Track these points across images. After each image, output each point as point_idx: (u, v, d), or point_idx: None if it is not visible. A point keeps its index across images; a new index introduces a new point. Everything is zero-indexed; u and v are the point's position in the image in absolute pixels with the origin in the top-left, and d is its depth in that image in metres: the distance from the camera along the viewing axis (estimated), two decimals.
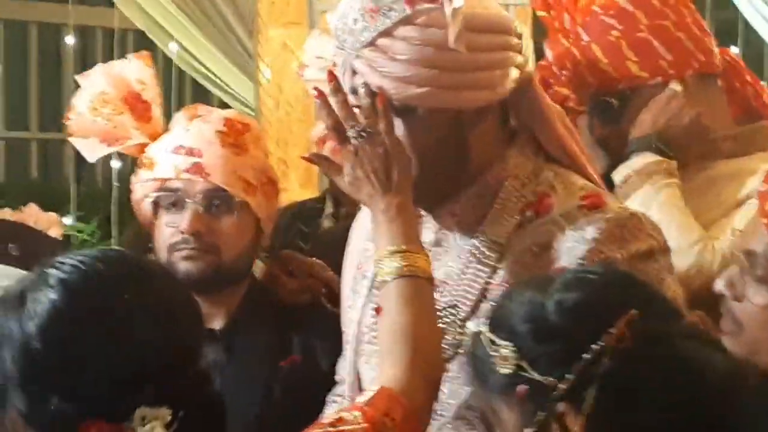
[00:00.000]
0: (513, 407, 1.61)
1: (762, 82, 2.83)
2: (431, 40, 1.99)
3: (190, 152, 2.52)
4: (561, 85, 2.71)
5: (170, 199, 2.53)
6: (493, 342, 1.63)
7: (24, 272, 2.72)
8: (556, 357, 1.58)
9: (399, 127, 2.05)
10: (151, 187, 2.56)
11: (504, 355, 1.61)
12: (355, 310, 2.23)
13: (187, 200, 2.50)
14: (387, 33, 2.01)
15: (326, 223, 4.67)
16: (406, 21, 2.00)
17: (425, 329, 1.97)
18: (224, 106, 6.84)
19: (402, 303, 1.95)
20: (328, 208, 4.67)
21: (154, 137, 2.62)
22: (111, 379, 1.60)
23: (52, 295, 1.62)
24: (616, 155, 2.66)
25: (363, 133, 2.00)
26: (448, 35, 1.96)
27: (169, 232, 2.52)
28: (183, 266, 2.49)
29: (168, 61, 6.36)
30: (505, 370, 1.60)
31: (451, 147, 2.09)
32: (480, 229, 2.10)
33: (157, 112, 2.64)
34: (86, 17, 6.83)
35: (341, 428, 1.76)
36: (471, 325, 1.73)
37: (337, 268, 2.65)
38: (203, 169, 2.50)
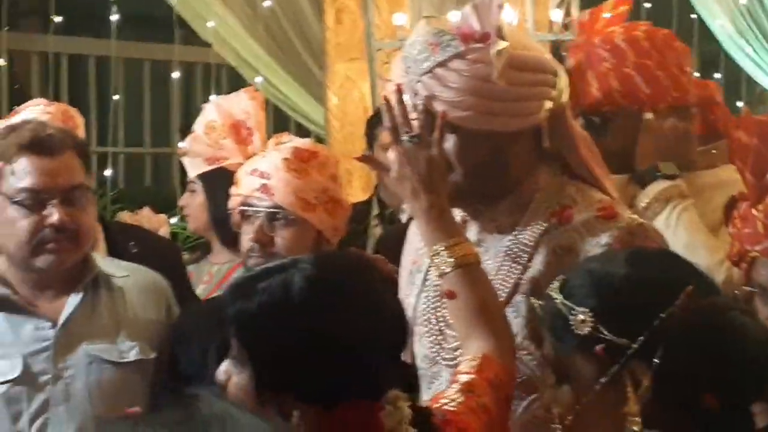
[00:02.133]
0: (589, 361, 1.61)
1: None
2: (478, 73, 1.99)
3: (262, 175, 2.55)
4: None
5: (247, 213, 2.55)
6: (571, 308, 1.63)
7: (135, 266, 2.74)
8: (628, 321, 1.59)
9: (448, 141, 2.04)
10: (237, 201, 2.56)
11: (582, 319, 1.61)
12: (411, 297, 2.20)
13: (256, 214, 2.50)
14: (443, 64, 2.01)
15: (373, 222, 4.65)
16: (459, 56, 2.00)
17: (493, 303, 1.97)
18: (300, 126, 6.87)
19: (469, 287, 1.94)
20: (374, 210, 4.66)
21: (250, 159, 2.62)
22: (372, 359, 1.54)
23: (314, 281, 1.55)
24: None
25: (414, 138, 1.99)
26: (492, 71, 1.96)
27: (245, 240, 2.55)
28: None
29: None
30: (583, 331, 1.61)
31: (491, 162, 2.07)
32: (513, 233, 2.09)
33: (257, 137, 2.65)
34: (188, 55, 6.84)
35: (458, 387, 1.76)
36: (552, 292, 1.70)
37: (396, 262, 2.64)
38: (269, 189, 2.53)
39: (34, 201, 2.34)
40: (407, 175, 1.99)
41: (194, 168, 2.69)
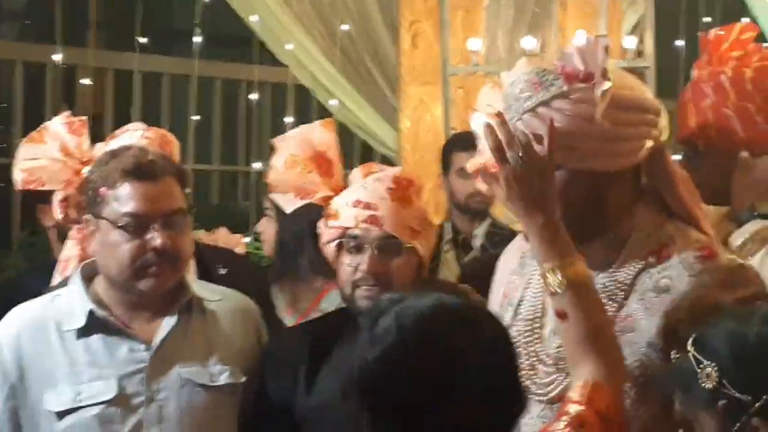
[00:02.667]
0: (713, 417, 1.62)
1: None
2: (581, 113, 1.99)
3: (367, 206, 2.54)
4: None
5: (351, 244, 2.55)
6: (699, 361, 1.63)
7: (227, 290, 2.79)
8: (753, 378, 1.60)
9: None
10: (336, 234, 2.57)
11: (708, 372, 1.62)
12: None
13: (365, 245, 2.52)
14: (546, 103, 2.01)
15: (446, 247, 4.66)
16: (562, 95, 2.00)
17: (606, 327, 1.95)
18: (367, 149, 6.90)
19: (580, 308, 1.92)
20: (447, 234, 4.67)
21: (337, 190, 2.64)
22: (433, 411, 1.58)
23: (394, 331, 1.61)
24: None
25: (522, 157, 1.98)
26: (595, 111, 1.97)
27: (350, 270, 2.53)
28: (364, 302, 2.50)
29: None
30: (708, 385, 1.62)
31: (590, 200, 2.07)
32: (609, 270, 2.08)
33: (338, 168, 2.66)
34: (264, 75, 6.92)
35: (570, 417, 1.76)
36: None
37: (482, 292, 2.65)
38: (378, 220, 2.52)
39: (137, 225, 2.40)
40: (518, 195, 1.98)
41: (289, 204, 2.71)
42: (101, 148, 2.83)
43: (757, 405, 1.57)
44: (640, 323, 2.01)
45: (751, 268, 2.05)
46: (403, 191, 2.57)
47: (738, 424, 1.58)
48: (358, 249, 2.52)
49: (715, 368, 1.62)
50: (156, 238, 2.40)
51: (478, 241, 4.60)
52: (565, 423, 1.76)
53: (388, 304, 1.65)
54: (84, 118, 3.03)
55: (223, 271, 3.10)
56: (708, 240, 2.09)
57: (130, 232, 2.40)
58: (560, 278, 1.93)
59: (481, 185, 2.88)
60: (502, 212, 4.69)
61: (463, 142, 4.91)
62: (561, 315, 1.95)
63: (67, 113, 3.02)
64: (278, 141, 2.74)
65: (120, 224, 2.41)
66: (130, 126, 3.06)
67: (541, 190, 1.96)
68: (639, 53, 6.04)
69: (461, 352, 1.60)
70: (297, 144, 2.68)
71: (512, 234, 4.42)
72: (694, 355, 1.65)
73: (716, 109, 2.57)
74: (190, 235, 2.54)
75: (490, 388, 1.60)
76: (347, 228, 2.54)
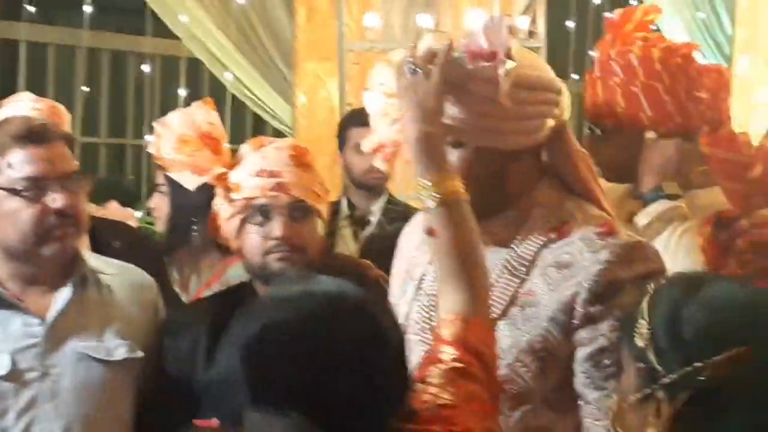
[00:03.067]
0: (633, 374, 1.62)
1: None
2: (484, 92, 2.00)
3: (272, 174, 2.55)
4: None
5: (259, 214, 2.54)
6: (642, 316, 1.63)
7: (124, 264, 2.75)
8: (673, 354, 1.58)
9: (452, 155, 2.05)
10: (240, 206, 2.56)
11: (642, 331, 1.61)
12: (403, 305, 2.21)
13: (275, 213, 2.52)
14: (452, 82, 2.01)
15: (343, 223, 4.67)
16: (466, 74, 2.01)
17: (475, 244, 1.94)
18: (258, 123, 6.84)
19: (452, 226, 1.91)
20: (344, 211, 4.68)
21: (227, 166, 2.64)
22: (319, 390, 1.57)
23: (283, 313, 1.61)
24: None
25: (415, 69, 1.98)
26: (499, 90, 1.98)
27: (260, 240, 2.53)
28: (278, 266, 2.51)
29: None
30: (639, 343, 1.61)
31: (492, 177, 2.09)
32: (511, 246, 2.11)
33: (225, 146, 2.67)
34: (158, 48, 6.81)
35: (447, 366, 1.74)
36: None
37: (381, 268, 2.67)
38: (285, 187, 2.54)
39: (36, 189, 2.36)
40: (406, 105, 1.98)
41: (191, 182, 2.70)
42: None
43: (665, 380, 1.57)
44: (541, 298, 2.04)
45: (649, 245, 2.08)
46: (303, 157, 2.60)
47: (647, 391, 1.59)
48: (266, 218, 2.53)
49: (648, 330, 1.61)
50: (57, 199, 2.36)
51: (374, 218, 4.61)
52: (440, 374, 1.73)
53: (290, 281, 1.66)
54: None
55: (117, 245, 3.05)
56: (607, 217, 2.12)
57: (28, 197, 2.36)
58: (434, 193, 1.93)
59: (378, 163, 2.91)
60: (399, 188, 4.71)
61: (360, 118, 4.88)
62: (430, 232, 1.94)
63: None
64: (160, 124, 2.73)
65: (18, 189, 2.35)
66: (18, 96, 3.00)
67: (426, 100, 1.96)
68: (531, 33, 6.12)
69: (349, 341, 1.59)
70: (184, 124, 2.68)
71: (408, 210, 4.49)
72: (643, 310, 1.64)
73: (625, 88, 2.60)
74: (86, 199, 2.50)
75: (373, 380, 1.59)
76: (253, 198, 2.54)
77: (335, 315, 1.60)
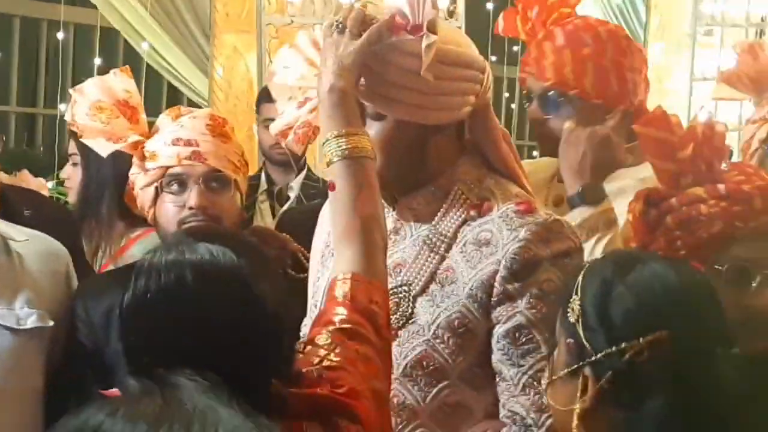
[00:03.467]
0: (565, 347, 1.63)
1: None
2: (406, 64, 2.00)
3: (188, 143, 2.51)
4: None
5: (174, 182, 2.50)
6: (577, 292, 1.63)
7: (35, 232, 2.69)
8: (601, 333, 1.60)
9: (372, 128, 2.04)
10: (156, 175, 2.52)
11: (573, 307, 1.62)
12: (323, 280, 2.19)
13: (190, 182, 2.48)
14: (374, 53, 2.00)
15: (261, 197, 4.65)
16: (388, 46, 2.00)
17: (374, 204, 1.92)
18: (173, 94, 6.75)
19: (352, 181, 1.90)
20: (263, 185, 4.66)
21: (145, 135, 2.60)
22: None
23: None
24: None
25: (340, 26, 1.98)
26: (420, 63, 1.96)
27: (175, 209, 2.49)
28: None
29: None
30: (571, 318, 1.62)
31: (412, 152, 2.09)
32: (432, 222, 2.10)
33: (142, 115, 2.62)
34: (75, 16, 6.67)
35: (335, 327, 1.73)
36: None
37: (299, 241, 2.65)
38: (201, 156, 2.50)
39: None
40: (323, 59, 1.97)
41: (103, 148, 2.64)
42: None
43: (591, 358, 1.59)
44: (460, 275, 2.04)
45: (566, 223, 2.09)
46: (221, 127, 2.56)
47: (574, 366, 1.60)
48: (182, 187, 2.49)
49: (579, 306, 1.62)
50: None
51: (293, 193, 4.60)
52: (328, 337, 1.72)
53: (169, 246, 1.62)
54: None
55: (28, 213, 2.98)
56: (526, 195, 2.13)
57: None
58: (339, 146, 1.92)
59: (291, 144, 2.89)
60: (316, 164, 4.70)
61: (270, 94, 4.89)
62: (332, 187, 1.93)
63: None
64: (77, 91, 2.67)
65: None
66: None
67: (344, 57, 1.95)
68: (451, 13, 6.14)
69: (218, 306, 1.56)
70: (100, 91, 2.63)
71: (326, 186, 4.48)
72: (577, 284, 1.65)
73: (595, 61, 2.55)
74: None
75: (248, 346, 1.56)
76: (169, 167, 2.50)
77: (205, 281, 1.58)
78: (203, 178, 2.49)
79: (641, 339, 1.56)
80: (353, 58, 1.96)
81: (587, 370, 1.60)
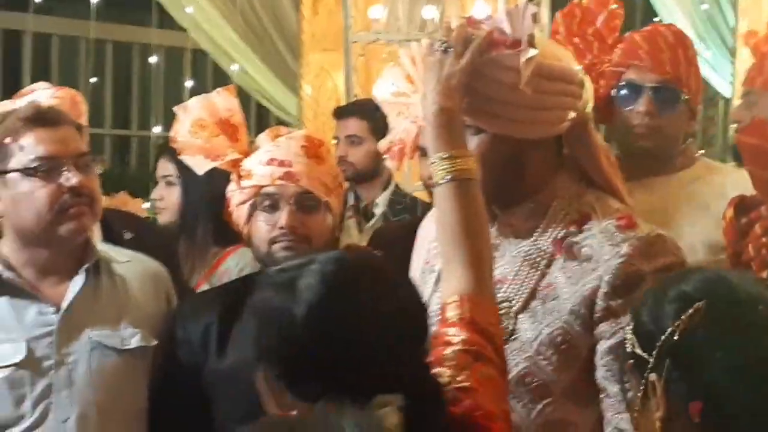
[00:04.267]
0: (630, 378, 1.64)
1: None
2: (505, 79, 1.97)
3: (282, 163, 2.51)
4: None
5: (267, 202, 2.51)
6: (629, 326, 1.66)
7: (136, 254, 2.73)
8: (648, 335, 1.60)
9: (471, 143, 2.01)
10: (250, 194, 2.53)
11: (627, 338, 1.65)
12: (424, 296, 2.19)
13: (282, 202, 2.49)
14: (474, 69, 1.98)
15: (347, 213, 4.65)
16: (488, 60, 1.98)
17: (482, 224, 1.91)
18: (262, 115, 6.80)
19: (459, 203, 1.89)
20: (350, 201, 4.67)
21: (244, 154, 2.60)
22: (360, 364, 1.50)
23: (320, 286, 1.54)
24: None
25: (445, 47, 1.96)
26: (520, 78, 1.94)
27: (267, 228, 2.49)
28: (281, 255, 2.47)
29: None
30: (627, 349, 1.65)
31: (511, 166, 2.06)
32: (531, 239, 2.08)
33: (244, 133, 2.62)
34: (165, 39, 6.78)
35: (456, 348, 1.70)
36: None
37: (392, 260, 2.63)
38: (294, 176, 2.50)
39: (50, 169, 2.34)
40: (428, 78, 1.96)
41: (200, 166, 2.66)
42: (6, 106, 2.75)
43: (651, 361, 1.58)
44: (561, 291, 2.01)
45: (669, 238, 2.05)
46: (315, 149, 2.55)
47: (642, 381, 1.60)
48: (274, 206, 2.50)
49: (630, 330, 1.64)
50: (71, 177, 2.34)
51: (378, 210, 4.60)
52: (454, 356, 1.70)
53: (299, 265, 1.59)
54: None
55: (128, 236, 3.02)
56: (627, 209, 2.09)
57: (42, 177, 2.34)
58: (446, 168, 1.90)
59: (388, 162, 2.89)
60: (404, 180, 4.70)
61: (336, 112, 4.94)
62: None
63: None
64: (180, 109, 2.69)
65: (32, 168, 2.33)
66: (37, 85, 2.98)
67: (451, 77, 1.94)
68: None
69: (387, 303, 1.55)
70: (202, 109, 2.65)
71: (414, 202, 4.47)
72: (649, 303, 1.65)
73: (696, 64, 2.64)
74: (98, 181, 2.47)
75: (404, 328, 1.56)
76: (262, 186, 2.51)
77: (367, 281, 1.58)
78: (295, 199, 2.49)
79: (682, 317, 1.57)
80: (459, 78, 1.94)
81: (652, 376, 1.59)
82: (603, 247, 2.00)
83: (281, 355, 1.52)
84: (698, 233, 2.51)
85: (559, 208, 2.08)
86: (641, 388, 1.60)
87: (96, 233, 2.91)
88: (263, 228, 2.50)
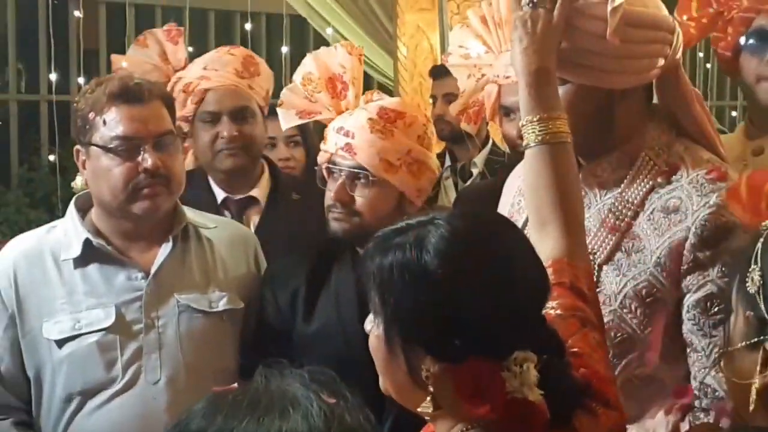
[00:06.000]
0: (742, 320, 1.50)
1: None
2: (592, 29, 1.91)
3: (347, 134, 2.49)
4: None
5: (331, 170, 2.50)
6: (756, 260, 1.50)
7: (223, 218, 2.75)
8: None
9: (560, 92, 1.94)
10: (324, 158, 2.52)
11: (753, 277, 1.49)
12: None
13: (340, 172, 2.48)
14: None
15: (445, 174, 4.61)
16: (575, 10, 1.91)
17: (575, 188, 1.86)
18: (365, 79, 6.77)
19: (551, 166, 1.83)
20: (447, 162, 4.63)
21: (341, 113, 2.57)
22: (500, 319, 1.44)
23: (453, 239, 1.47)
24: None
25: (535, 3, 1.90)
26: (607, 27, 1.88)
27: (327, 196, 2.49)
28: (333, 225, 2.48)
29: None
30: (751, 289, 1.49)
31: (598, 117, 2.00)
32: (617, 190, 2.02)
33: (352, 92, 2.59)
34: (258, 5, 6.77)
35: (559, 312, 1.65)
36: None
37: None
38: (352, 149, 2.47)
39: (128, 148, 2.36)
40: (519, 36, 1.89)
41: (287, 120, 2.65)
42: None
43: None
44: (647, 243, 1.96)
45: None
46: (385, 123, 2.49)
47: (755, 340, 1.48)
48: (335, 175, 2.48)
49: (759, 276, 1.49)
50: (147, 159, 2.36)
51: (476, 169, 4.55)
52: (560, 322, 1.63)
53: (419, 224, 1.51)
54: (181, 27, 3.26)
55: (296, 197, 3.06)
56: (719, 161, 2.02)
57: (120, 155, 2.36)
58: (540, 130, 1.85)
59: (464, 125, 2.83)
60: (502, 139, 4.63)
61: (432, 71, 4.90)
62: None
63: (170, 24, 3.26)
64: (305, 59, 2.69)
65: (110, 147, 2.36)
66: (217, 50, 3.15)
67: (543, 36, 1.88)
68: None
69: (518, 257, 1.51)
70: (315, 63, 2.62)
71: (511, 160, 4.41)
72: (756, 251, 1.51)
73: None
74: (181, 159, 2.49)
75: (534, 283, 1.51)
76: (331, 154, 2.50)
77: (492, 228, 1.54)
78: (348, 173, 2.47)
79: None
80: (555, 36, 1.89)
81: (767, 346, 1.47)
82: (691, 198, 1.95)
83: (417, 315, 1.46)
84: None
85: (648, 159, 2.03)
86: (752, 340, 1.48)
87: (264, 184, 3.05)
88: (327, 195, 2.49)
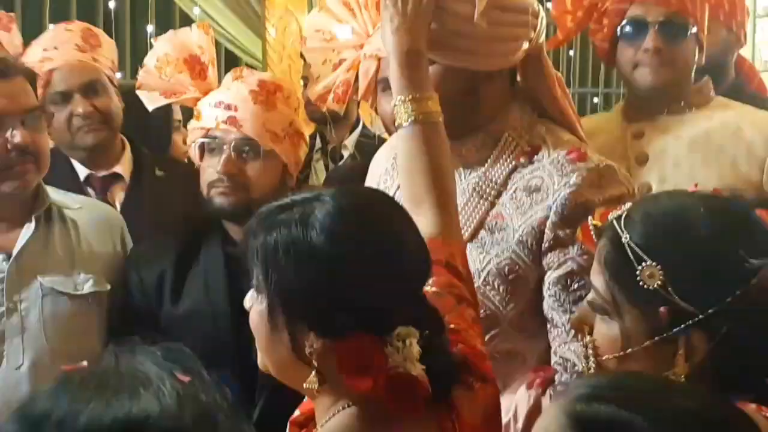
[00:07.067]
0: (645, 316, 1.46)
1: None
2: (460, 11, 1.96)
3: (228, 107, 2.49)
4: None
5: (211, 145, 2.49)
6: (639, 257, 1.45)
7: (89, 199, 2.71)
8: (701, 289, 1.43)
9: None
10: (198, 135, 2.52)
11: (651, 273, 1.44)
12: None
13: (223, 146, 2.47)
14: None
15: (315, 156, 4.63)
16: None
17: (448, 167, 1.90)
18: (234, 60, 6.71)
19: (424, 145, 1.87)
20: (317, 144, 4.64)
21: (205, 93, 2.57)
22: (384, 295, 1.46)
23: (338, 215, 1.47)
24: None
25: None
26: (475, 10, 1.93)
27: (209, 172, 2.48)
28: (218, 200, 2.47)
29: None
30: (650, 286, 1.44)
31: (463, 98, 2.05)
32: (481, 169, 2.08)
33: (212, 72, 2.59)
34: None
35: (435, 290, 1.66)
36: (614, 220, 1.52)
37: None
38: (237, 122, 2.47)
39: None
40: (391, 16, 1.92)
41: (152, 101, 2.63)
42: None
43: (700, 317, 1.42)
44: (510, 221, 2.02)
45: (619, 169, 2.05)
46: (267, 95, 2.51)
47: (675, 330, 1.44)
48: (217, 150, 2.47)
49: (659, 270, 1.44)
50: (16, 135, 2.31)
51: (347, 151, 4.58)
52: (436, 299, 1.63)
53: (303, 201, 1.52)
54: (12, 14, 3.12)
55: (159, 173, 3.02)
56: (579, 142, 2.09)
57: None
58: (411, 111, 1.88)
59: (332, 105, 2.85)
60: (372, 121, 4.67)
61: None
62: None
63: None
64: (157, 41, 2.67)
65: None
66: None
67: (415, 16, 1.91)
68: None
69: (404, 232, 1.53)
70: (171, 44, 2.61)
71: (382, 143, 4.44)
72: (631, 247, 1.47)
73: None
74: (47, 135, 2.45)
75: (416, 259, 1.53)
76: (208, 129, 2.49)
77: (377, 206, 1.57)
78: (234, 144, 2.46)
79: (751, 281, 1.41)
80: (426, 17, 1.92)
81: (697, 333, 1.42)
82: (552, 178, 2.01)
83: (302, 291, 1.46)
84: (713, 176, 2.46)
85: (511, 139, 2.08)
86: (671, 332, 1.43)
87: (126, 162, 3.01)
88: (206, 171, 2.49)
